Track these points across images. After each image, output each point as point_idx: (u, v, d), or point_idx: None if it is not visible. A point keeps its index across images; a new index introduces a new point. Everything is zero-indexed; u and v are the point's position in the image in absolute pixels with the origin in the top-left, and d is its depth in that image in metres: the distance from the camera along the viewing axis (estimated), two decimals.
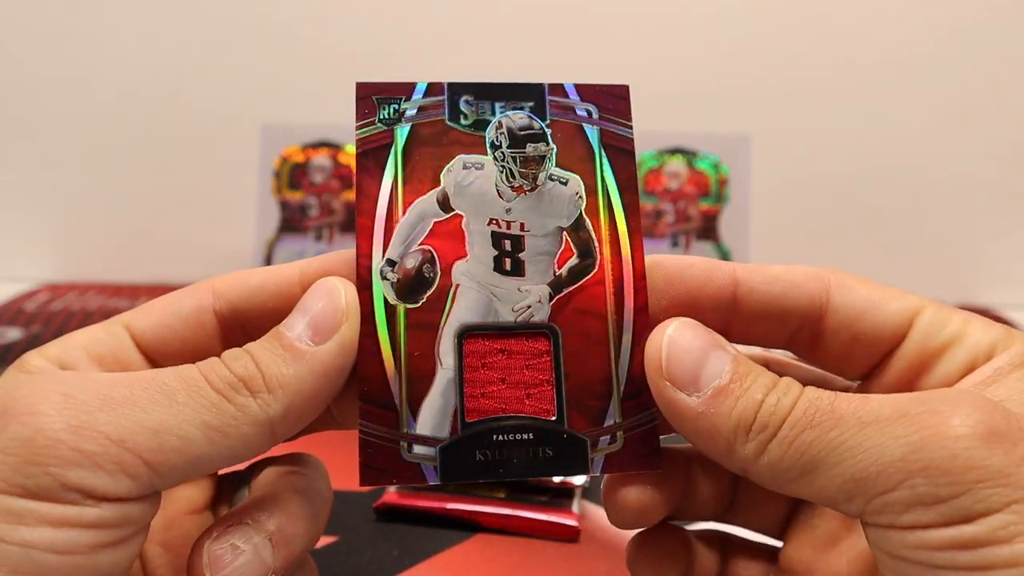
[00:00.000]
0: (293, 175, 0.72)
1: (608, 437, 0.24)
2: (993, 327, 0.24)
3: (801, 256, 0.76)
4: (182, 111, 0.78)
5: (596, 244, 0.25)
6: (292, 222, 0.72)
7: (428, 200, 0.25)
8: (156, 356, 0.25)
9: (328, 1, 0.76)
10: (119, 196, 0.79)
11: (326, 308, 0.23)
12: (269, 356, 0.22)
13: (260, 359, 0.22)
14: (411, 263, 0.25)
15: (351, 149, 0.72)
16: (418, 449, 0.23)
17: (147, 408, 0.20)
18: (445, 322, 0.24)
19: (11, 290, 0.75)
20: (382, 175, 0.25)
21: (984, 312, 0.72)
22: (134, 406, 0.20)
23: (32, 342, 0.60)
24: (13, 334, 0.63)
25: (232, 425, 0.21)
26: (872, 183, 0.77)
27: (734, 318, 0.25)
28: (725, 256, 0.71)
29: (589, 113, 0.27)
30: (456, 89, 0.26)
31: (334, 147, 0.72)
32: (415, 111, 0.26)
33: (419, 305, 0.24)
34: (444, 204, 0.25)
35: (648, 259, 0.25)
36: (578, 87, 0.27)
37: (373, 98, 0.26)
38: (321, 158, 0.72)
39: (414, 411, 0.24)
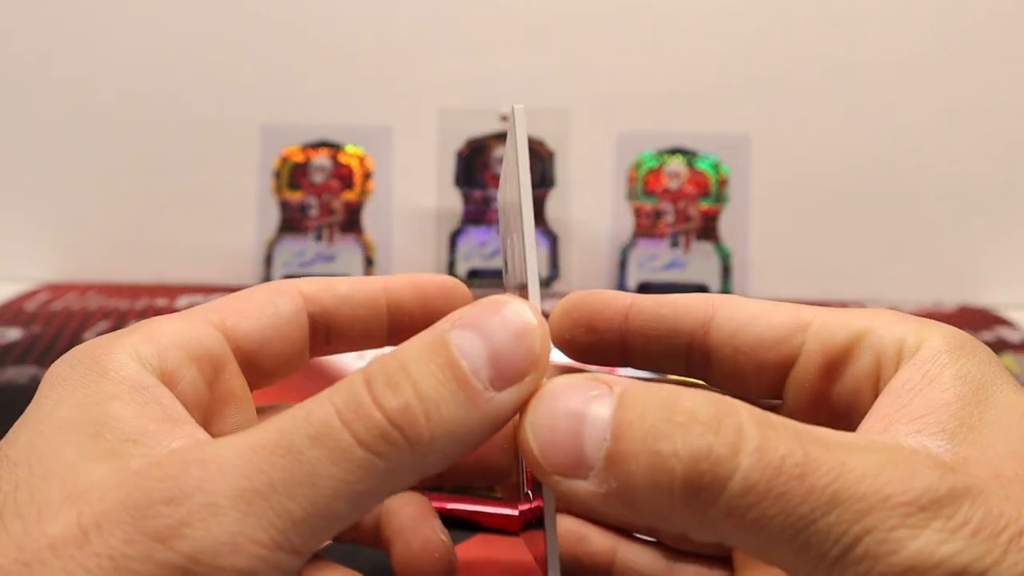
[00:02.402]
0: (293, 175, 0.72)
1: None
2: (904, 321, 0.22)
3: (801, 256, 0.76)
4: (182, 111, 0.78)
5: None
6: (292, 222, 0.72)
7: None
8: (253, 360, 0.24)
9: (329, 1, 0.76)
10: (119, 196, 0.79)
11: (518, 348, 0.19)
12: (438, 392, 0.18)
13: (426, 394, 0.18)
14: None
15: (351, 149, 0.72)
16: None
17: (291, 495, 0.17)
18: None
19: (11, 290, 0.75)
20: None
21: (984, 312, 0.72)
22: (276, 495, 0.17)
23: (32, 342, 0.60)
24: (13, 334, 0.63)
25: (382, 489, 0.18)
26: (872, 183, 0.77)
27: (629, 339, 0.25)
28: (726, 256, 0.71)
29: None
30: None
31: (334, 147, 0.72)
32: None
33: None
34: None
35: (569, 295, 0.26)
36: None
37: None
38: (321, 158, 0.72)
39: None
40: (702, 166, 0.71)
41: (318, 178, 0.72)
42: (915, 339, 0.21)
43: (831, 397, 0.23)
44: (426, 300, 0.25)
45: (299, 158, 0.72)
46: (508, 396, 0.18)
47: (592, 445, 0.18)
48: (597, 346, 0.26)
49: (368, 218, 0.72)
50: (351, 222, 0.72)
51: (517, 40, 0.75)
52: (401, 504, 0.25)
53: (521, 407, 0.19)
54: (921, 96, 0.76)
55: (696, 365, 0.25)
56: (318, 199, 0.72)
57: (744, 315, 0.24)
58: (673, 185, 0.71)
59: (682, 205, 0.71)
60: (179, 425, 0.20)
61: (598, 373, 0.19)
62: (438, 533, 0.25)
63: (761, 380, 0.24)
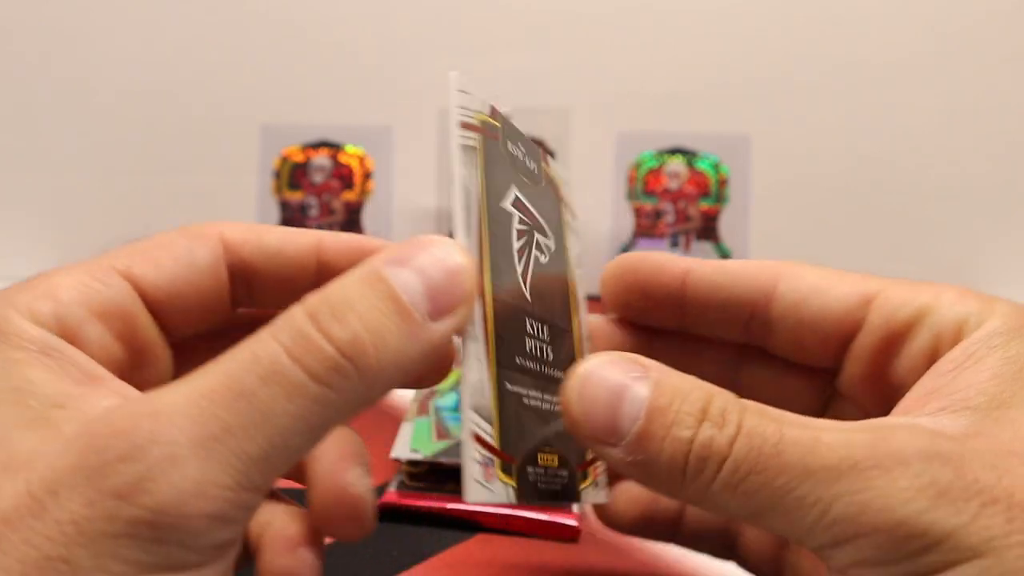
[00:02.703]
0: (293, 175, 0.72)
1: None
2: (967, 299, 0.22)
3: (801, 256, 0.76)
4: (182, 111, 0.78)
5: None
6: (292, 222, 0.72)
7: None
8: (165, 311, 0.23)
9: (329, 1, 0.76)
10: (119, 196, 0.79)
11: (452, 281, 0.20)
12: (383, 323, 0.19)
13: (371, 324, 0.18)
14: None
15: (351, 149, 0.72)
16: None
17: (247, 435, 0.17)
18: None
19: None
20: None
21: None
22: (233, 437, 0.17)
23: None
24: None
25: (335, 419, 0.19)
26: (872, 183, 0.77)
27: (686, 307, 0.25)
28: (725, 256, 0.71)
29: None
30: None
31: (334, 147, 0.72)
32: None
33: None
34: None
35: (620, 256, 0.26)
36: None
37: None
38: (321, 158, 0.72)
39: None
40: (702, 166, 0.71)
41: (318, 178, 0.72)
42: (976, 319, 0.22)
43: (888, 371, 0.23)
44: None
45: (299, 158, 0.72)
46: (442, 327, 0.19)
47: (627, 421, 0.20)
48: (653, 311, 0.26)
49: (368, 218, 0.72)
50: (351, 222, 0.72)
51: (517, 40, 0.75)
52: (326, 448, 0.24)
53: (448, 340, 0.20)
54: (921, 96, 0.76)
55: (756, 333, 0.25)
56: (318, 199, 0.72)
57: (807, 287, 0.24)
58: (673, 185, 0.71)
59: (682, 205, 0.71)
60: (102, 383, 0.20)
61: (637, 355, 0.21)
62: (355, 482, 0.23)
63: (821, 350, 0.24)
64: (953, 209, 0.77)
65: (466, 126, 0.23)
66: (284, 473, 0.19)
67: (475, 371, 0.21)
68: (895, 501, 0.18)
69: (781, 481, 0.19)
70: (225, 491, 0.17)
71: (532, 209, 0.25)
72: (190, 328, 0.24)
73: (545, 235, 0.26)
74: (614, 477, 0.26)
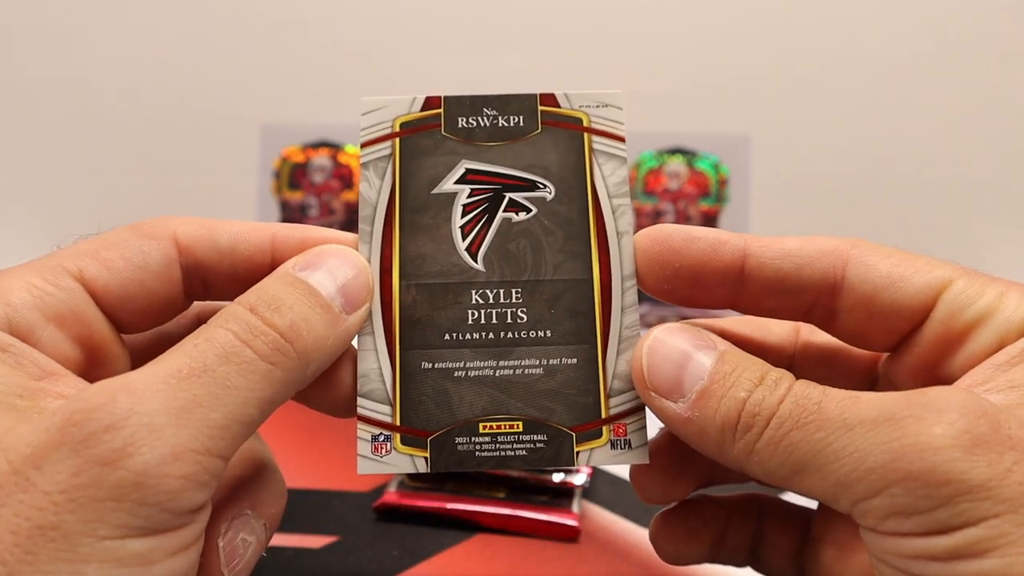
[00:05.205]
0: (293, 175, 0.72)
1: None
2: None
3: None
4: (182, 111, 0.78)
5: None
6: (291, 221, 0.72)
7: None
8: (118, 312, 0.23)
9: (329, 1, 0.76)
10: (119, 196, 0.79)
11: (358, 281, 0.24)
12: (309, 313, 0.22)
13: (303, 314, 0.22)
14: None
15: (351, 149, 0.72)
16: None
17: (213, 406, 0.19)
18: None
19: None
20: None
21: None
22: (201, 408, 0.19)
23: None
24: None
25: (280, 394, 0.21)
26: (872, 183, 0.77)
27: (743, 292, 0.24)
28: None
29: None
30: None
31: (334, 147, 0.72)
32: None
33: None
34: None
35: (654, 228, 0.25)
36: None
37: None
38: (321, 158, 0.72)
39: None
40: (702, 166, 0.71)
41: (318, 178, 0.72)
42: None
43: (944, 364, 0.23)
44: None
45: (299, 158, 0.72)
46: (354, 318, 0.23)
47: (691, 380, 0.22)
48: (700, 296, 0.25)
49: None
50: (351, 222, 0.72)
51: (516, 40, 0.75)
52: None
53: (358, 330, 0.24)
54: (921, 95, 0.76)
55: (818, 318, 0.25)
56: (318, 199, 0.72)
57: (878, 277, 0.23)
58: (673, 185, 0.71)
59: (682, 205, 0.71)
60: (59, 378, 0.21)
61: (705, 331, 0.23)
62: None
63: (884, 339, 0.24)
64: (954, 209, 0.77)
65: (373, 142, 0.26)
66: (242, 442, 0.21)
67: (366, 361, 0.24)
68: (929, 448, 0.18)
69: (820, 435, 0.20)
70: (197, 456, 0.19)
71: (501, 169, 0.26)
72: (144, 326, 0.25)
73: (531, 188, 0.26)
74: (652, 491, 0.27)
